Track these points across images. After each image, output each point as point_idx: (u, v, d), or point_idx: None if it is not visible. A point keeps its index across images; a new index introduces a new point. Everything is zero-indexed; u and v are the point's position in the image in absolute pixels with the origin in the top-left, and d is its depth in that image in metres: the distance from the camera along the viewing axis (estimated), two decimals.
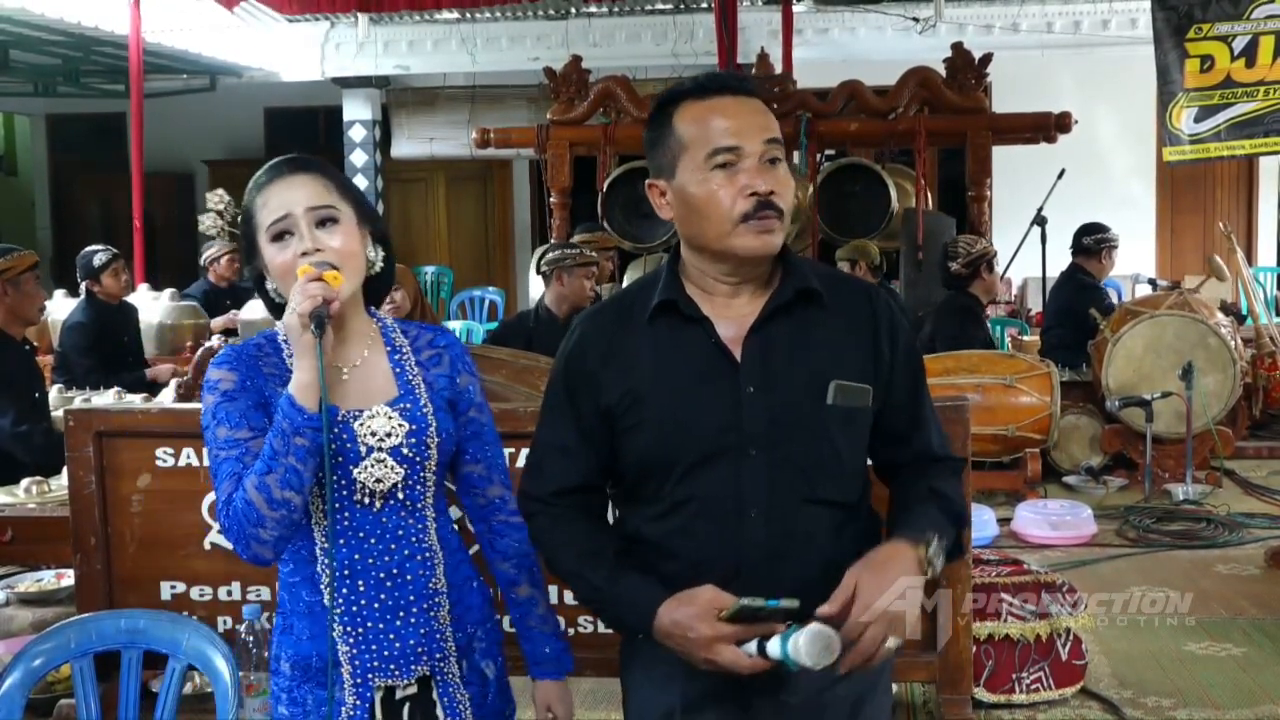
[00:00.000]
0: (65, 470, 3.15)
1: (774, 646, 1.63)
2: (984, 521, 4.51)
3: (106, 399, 4.89)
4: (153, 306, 6.68)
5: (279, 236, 1.85)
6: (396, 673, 1.90)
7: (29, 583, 3.54)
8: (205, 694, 2.69)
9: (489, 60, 10.79)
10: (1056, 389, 5.23)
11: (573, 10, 10.14)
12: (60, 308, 6.76)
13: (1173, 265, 11.03)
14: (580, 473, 1.87)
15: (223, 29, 9.89)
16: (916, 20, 9.73)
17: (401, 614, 1.89)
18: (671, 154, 1.78)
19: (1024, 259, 6.64)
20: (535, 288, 5.39)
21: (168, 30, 9.41)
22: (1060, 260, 6.72)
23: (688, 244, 1.82)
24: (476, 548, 2.10)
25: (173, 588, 2.99)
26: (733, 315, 1.80)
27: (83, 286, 6.02)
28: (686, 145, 1.77)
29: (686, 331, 1.80)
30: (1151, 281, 8.53)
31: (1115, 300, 6.63)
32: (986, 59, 6.68)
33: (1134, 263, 9.24)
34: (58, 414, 4.23)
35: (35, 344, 5.26)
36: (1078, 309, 6.16)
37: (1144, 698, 3.18)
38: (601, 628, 2.98)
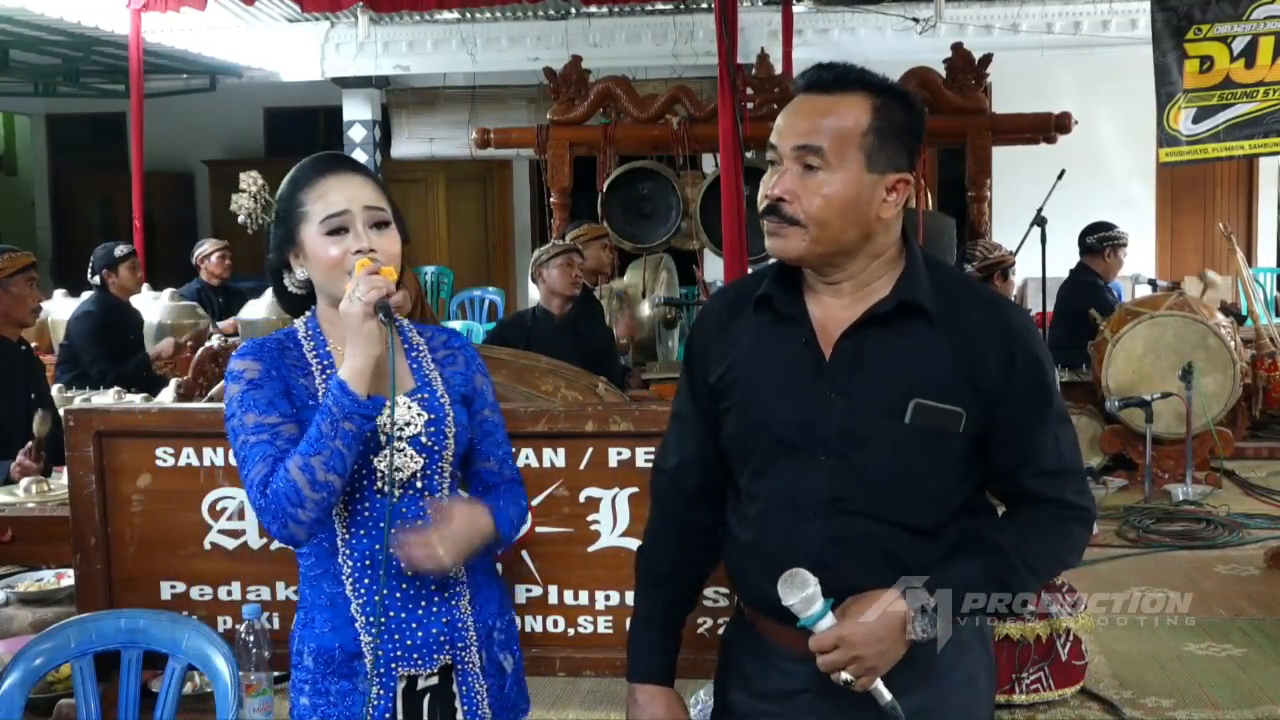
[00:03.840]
0: (65, 470, 3.15)
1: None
2: None
3: (106, 399, 4.89)
4: (153, 306, 6.67)
5: (335, 231, 1.89)
6: (420, 662, 1.93)
7: (29, 583, 3.53)
8: (205, 694, 2.69)
9: (489, 60, 10.78)
10: None
11: (573, 10, 10.13)
12: (60, 307, 6.76)
13: (1173, 266, 11.04)
14: (695, 443, 1.89)
15: (223, 29, 9.88)
16: (916, 20, 9.72)
17: (424, 604, 1.92)
18: None
19: (1024, 259, 6.63)
20: (535, 289, 5.42)
21: (168, 30, 9.39)
22: (1060, 261, 6.71)
23: None
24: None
25: (173, 588, 2.99)
26: (834, 315, 1.76)
27: (97, 279, 6.04)
28: None
29: (785, 325, 1.79)
30: (1151, 282, 8.53)
31: (1119, 298, 6.64)
32: (986, 59, 6.68)
33: (1134, 263, 9.22)
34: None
35: (34, 344, 5.26)
36: (1077, 308, 6.18)
37: (1144, 698, 3.17)
38: (601, 628, 2.99)
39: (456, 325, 8.69)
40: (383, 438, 1.89)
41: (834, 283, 1.77)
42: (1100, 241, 6.45)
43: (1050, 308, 6.77)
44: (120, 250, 6.08)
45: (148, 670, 2.44)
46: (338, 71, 11.18)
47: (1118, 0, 9.80)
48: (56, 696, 2.94)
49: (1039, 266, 6.60)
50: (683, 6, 10.08)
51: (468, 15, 10.19)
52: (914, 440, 1.71)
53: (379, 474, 1.89)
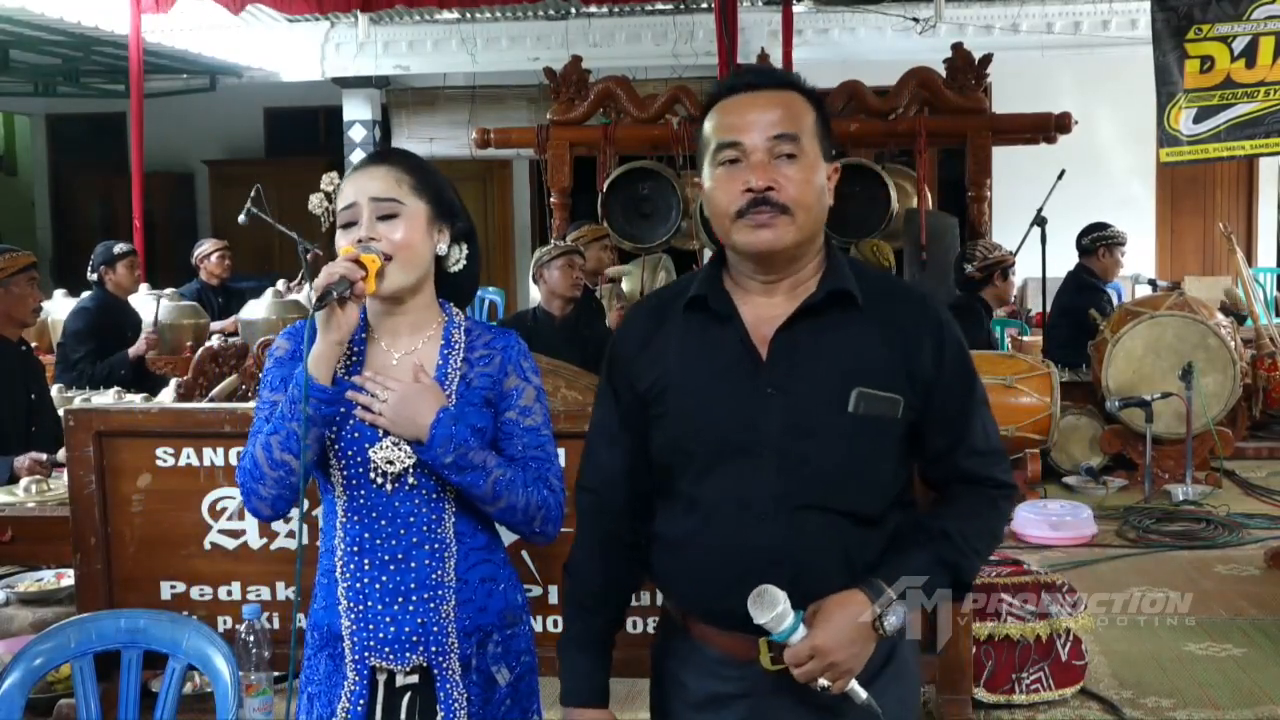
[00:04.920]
0: (65, 470, 3.15)
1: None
2: None
3: (106, 399, 4.89)
4: (153, 306, 6.67)
5: (347, 224, 1.96)
6: (392, 657, 1.93)
7: (29, 583, 3.54)
8: (205, 694, 2.69)
9: (489, 60, 10.79)
10: (1056, 389, 5.23)
11: (573, 10, 10.14)
12: (60, 307, 6.76)
13: (1173, 266, 11.04)
14: (622, 456, 1.87)
15: (223, 29, 9.89)
16: (916, 20, 9.72)
17: (401, 599, 1.93)
18: (700, 152, 1.82)
19: (1024, 259, 6.64)
20: (535, 289, 5.43)
21: (168, 30, 9.40)
22: (1060, 261, 6.72)
23: (719, 239, 1.84)
24: (512, 540, 2.11)
25: (173, 588, 2.99)
26: (766, 314, 1.78)
27: (95, 276, 6.05)
28: (705, 143, 1.80)
29: (717, 327, 1.80)
30: (1152, 282, 8.54)
31: (1115, 300, 6.64)
32: (986, 59, 6.68)
33: (1134, 263, 9.24)
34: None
35: (34, 344, 5.26)
36: (1076, 309, 6.19)
37: (1144, 698, 3.18)
38: None
39: None
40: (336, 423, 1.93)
41: (775, 281, 1.79)
42: (1094, 242, 6.46)
43: (1050, 308, 6.77)
44: (119, 248, 6.10)
45: (148, 670, 2.44)
46: (338, 71, 11.19)
47: (1118, 0, 9.80)
48: (56, 696, 2.94)
49: (1039, 266, 6.62)
50: (683, 6, 10.09)
51: (468, 15, 10.19)
52: (857, 429, 1.73)
53: (372, 464, 1.92)
